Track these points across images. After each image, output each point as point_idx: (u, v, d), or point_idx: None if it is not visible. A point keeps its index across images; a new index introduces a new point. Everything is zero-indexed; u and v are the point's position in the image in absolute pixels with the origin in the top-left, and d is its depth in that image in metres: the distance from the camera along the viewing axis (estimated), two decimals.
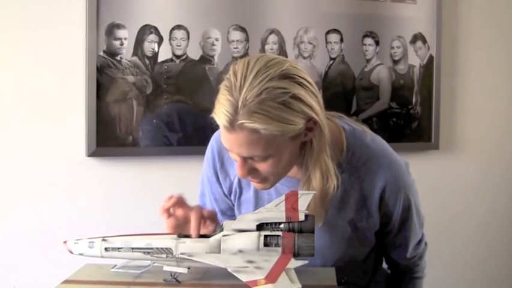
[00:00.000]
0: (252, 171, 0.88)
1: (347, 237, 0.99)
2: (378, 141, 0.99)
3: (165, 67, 1.55)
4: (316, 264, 0.98)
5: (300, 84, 0.83)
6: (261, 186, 0.93)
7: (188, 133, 1.58)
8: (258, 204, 1.03)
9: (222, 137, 0.86)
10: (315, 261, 0.96)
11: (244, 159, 0.86)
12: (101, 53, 1.50)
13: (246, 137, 0.81)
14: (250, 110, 0.79)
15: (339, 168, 0.92)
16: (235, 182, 1.05)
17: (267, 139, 0.82)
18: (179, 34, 1.56)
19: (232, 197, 1.08)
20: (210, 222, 0.98)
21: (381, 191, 0.96)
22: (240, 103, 0.80)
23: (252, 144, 0.82)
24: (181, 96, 1.57)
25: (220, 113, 0.82)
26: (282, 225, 0.82)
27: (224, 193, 1.09)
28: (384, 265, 1.17)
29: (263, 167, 0.86)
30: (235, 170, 0.98)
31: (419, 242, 1.09)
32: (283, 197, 0.86)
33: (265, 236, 0.79)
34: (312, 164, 0.89)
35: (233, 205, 1.10)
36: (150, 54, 1.54)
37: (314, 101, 0.85)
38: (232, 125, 0.80)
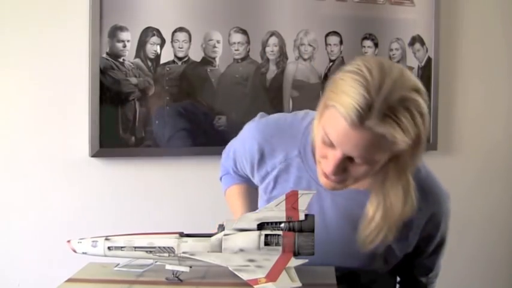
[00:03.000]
0: (340, 173, 0.84)
1: (379, 254, 0.97)
2: (430, 173, 0.98)
3: (167, 69, 1.57)
4: (341, 268, 0.96)
5: (426, 102, 0.82)
6: (332, 186, 0.89)
7: (190, 134, 1.59)
8: None
9: (333, 131, 0.80)
10: (340, 264, 0.96)
11: (344, 159, 0.82)
12: (104, 55, 1.51)
13: (369, 139, 0.77)
14: (385, 114, 0.76)
15: None
16: (273, 174, 1.00)
17: (384, 149, 0.79)
18: (181, 36, 1.57)
19: (262, 187, 1.04)
20: None
21: (426, 219, 0.96)
22: (376, 104, 0.75)
23: (370, 147, 0.79)
24: (183, 97, 1.58)
25: (350, 106, 0.76)
26: (282, 225, 0.82)
27: (252, 175, 1.06)
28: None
29: (358, 171, 0.83)
30: (275, 164, 0.98)
31: (439, 267, 1.11)
32: (283, 197, 0.87)
33: (266, 235, 0.80)
34: (396, 179, 0.86)
35: (253, 185, 1.08)
36: (152, 56, 1.55)
37: (428, 120, 0.83)
38: (362, 123, 0.76)
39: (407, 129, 0.78)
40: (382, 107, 0.76)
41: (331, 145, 0.82)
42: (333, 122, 0.80)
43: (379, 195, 0.87)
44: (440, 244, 1.04)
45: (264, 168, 1.01)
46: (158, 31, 1.55)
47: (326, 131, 0.82)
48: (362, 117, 0.76)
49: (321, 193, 0.95)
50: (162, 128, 1.57)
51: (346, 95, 0.77)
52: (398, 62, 1.77)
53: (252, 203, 1.12)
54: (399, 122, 0.77)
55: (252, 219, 0.83)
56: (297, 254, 0.80)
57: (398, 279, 1.16)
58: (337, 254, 0.96)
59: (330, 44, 1.70)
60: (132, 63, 1.53)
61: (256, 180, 1.06)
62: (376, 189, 0.88)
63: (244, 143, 1.04)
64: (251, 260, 0.78)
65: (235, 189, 1.14)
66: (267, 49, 1.64)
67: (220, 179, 1.20)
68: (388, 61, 0.83)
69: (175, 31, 1.56)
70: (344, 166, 0.83)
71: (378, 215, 0.88)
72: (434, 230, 1.00)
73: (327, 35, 1.70)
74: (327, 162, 0.84)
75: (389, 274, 1.09)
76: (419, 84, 0.82)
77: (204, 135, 1.60)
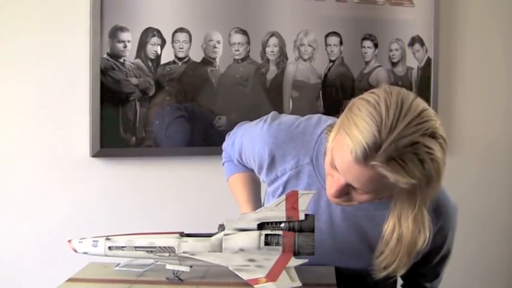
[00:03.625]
0: (343, 195, 0.85)
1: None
2: (440, 187, 0.96)
3: (168, 69, 1.57)
4: (349, 266, 0.97)
5: (442, 147, 0.80)
6: (337, 202, 0.89)
7: (190, 134, 1.59)
8: None
9: (339, 158, 0.81)
10: (347, 261, 0.97)
11: (346, 186, 0.82)
12: (105, 56, 1.51)
13: (371, 176, 0.78)
14: (390, 156, 0.75)
15: None
16: (282, 179, 0.99)
17: (387, 185, 0.78)
18: (181, 37, 1.57)
19: (271, 190, 1.03)
20: None
21: (434, 233, 0.94)
22: (385, 145, 0.75)
23: (371, 183, 0.79)
24: (183, 97, 1.58)
25: (358, 142, 0.76)
26: (282, 225, 0.82)
27: (258, 174, 1.05)
28: None
29: (359, 198, 0.84)
30: (285, 169, 0.97)
31: (442, 274, 1.11)
32: (283, 197, 0.87)
33: (266, 235, 0.80)
34: (406, 210, 0.84)
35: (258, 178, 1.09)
36: (153, 57, 1.55)
37: (444, 163, 0.82)
38: (366, 160, 0.76)
39: (412, 172, 0.77)
40: (390, 149, 0.75)
41: (336, 170, 0.83)
42: (340, 151, 0.80)
43: (395, 218, 0.86)
44: (446, 255, 1.05)
45: (274, 172, 1.00)
46: (159, 31, 1.55)
47: (333, 156, 0.82)
48: (367, 156, 0.75)
49: (331, 202, 0.94)
50: (163, 128, 1.57)
51: (357, 129, 0.77)
52: (398, 62, 1.78)
53: (255, 193, 1.12)
54: (404, 166, 0.76)
55: (252, 219, 0.83)
56: (297, 254, 0.80)
57: (400, 281, 1.16)
58: (342, 262, 0.96)
59: (330, 45, 1.70)
60: (132, 63, 1.54)
61: (262, 178, 1.05)
62: (392, 211, 0.87)
63: (254, 144, 1.02)
64: (251, 260, 0.78)
65: (238, 178, 1.13)
66: (267, 49, 1.64)
67: (223, 164, 1.18)
68: (410, 98, 0.80)
69: (175, 31, 1.57)
70: (347, 191, 0.83)
71: (393, 241, 0.87)
72: (441, 242, 1.00)
73: (327, 35, 1.70)
74: (331, 183, 0.85)
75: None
76: (437, 129, 0.79)
77: (205, 135, 1.60)
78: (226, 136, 1.15)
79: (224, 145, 1.16)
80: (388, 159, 0.75)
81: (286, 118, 1.02)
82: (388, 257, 0.88)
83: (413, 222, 0.85)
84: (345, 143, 0.78)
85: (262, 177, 1.04)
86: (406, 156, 0.76)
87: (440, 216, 0.96)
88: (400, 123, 0.76)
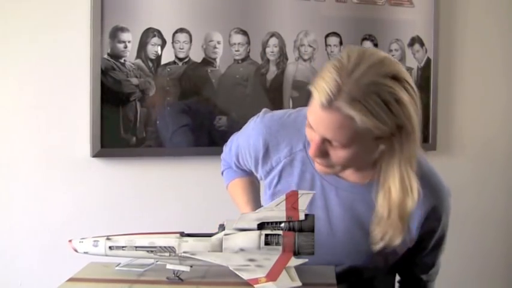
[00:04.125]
0: (324, 155, 0.87)
1: (380, 249, 0.96)
2: (432, 169, 1.00)
3: (168, 69, 1.57)
4: (344, 263, 0.98)
5: (407, 90, 0.82)
6: (323, 170, 0.92)
7: (191, 134, 1.60)
8: None
9: (310, 113, 0.85)
10: (343, 260, 0.98)
11: (322, 142, 0.85)
12: (105, 56, 1.52)
13: (338, 120, 0.80)
14: (353, 97, 0.78)
15: None
16: (277, 169, 1.01)
17: (356, 130, 0.81)
18: (182, 37, 1.57)
19: (267, 182, 1.05)
20: None
21: (427, 212, 0.96)
22: (345, 86, 0.78)
23: (340, 129, 0.81)
24: (183, 98, 1.59)
25: (322, 89, 0.80)
26: (282, 225, 0.83)
27: (255, 170, 1.07)
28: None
29: (337, 155, 0.86)
30: (280, 158, 0.99)
31: (438, 265, 1.11)
32: (283, 197, 0.87)
33: (266, 235, 0.80)
34: (391, 173, 0.87)
35: (256, 179, 1.10)
36: (153, 57, 1.56)
37: (413, 109, 0.83)
38: (330, 104, 0.79)
39: (379, 115, 0.79)
40: (351, 89, 0.78)
41: (312, 129, 0.86)
42: (311, 107, 0.84)
43: (382, 192, 0.88)
44: (441, 240, 1.04)
45: (269, 163, 1.02)
46: (159, 32, 1.55)
47: (308, 116, 0.86)
48: (331, 99, 0.79)
49: (325, 187, 0.97)
50: (163, 128, 1.58)
51: (322, 79, 0.81)
52: None
53: (255, 196, 1.13)
54: (368, 107, 0.79)
55: (252, 219, 0.83)
56: (297, 254, 0.80)
57: (398, 278, 1.16)
58: (339, 248, 0.97)
59: (330, 45, 1.71)
60: (133, 63, 1.54)
61: (259, 174, 1.06)
62: (380, 182, 0.89)
63: (249, 138, 1.04)
64: (251, 260, 0.78)
65: (237, 183, 1.14)
66: (267, 50, 1.65)
67: (222, 173, 1.20)
68: (374, 50, 0.85)
69: (176, 32, 1.57)
70: (325, 149, 0.86)
71: (384, 209, 0.88)
72: (435, 225, 1.00)
73: (327, 35, 1.70)
74: (309, 151, 0.88)
75: (389, 272, 1.09)
76: (401, 73, 0.82)
77: (205, 135, 1.61)
78: (224, 147, 1.17)
79: (222, 155, 1.18)
80: (351, 100, 0.78)
81: (278, 111, 1.06)
82: (383, 226, 0.89)
83: (400, 185, 0.86)
84: (313, 97, 0.82)
85: (259, 172, 1.05)
86: (369, 96, 0.78)
87: (433, 198, 0.96)
88: (360, 65, 0.80)
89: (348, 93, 0.78)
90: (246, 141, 1.06)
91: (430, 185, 0.95)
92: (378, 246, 0.91)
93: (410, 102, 0.82)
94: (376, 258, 0.99)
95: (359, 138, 0.83)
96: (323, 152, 0.86)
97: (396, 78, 0.81)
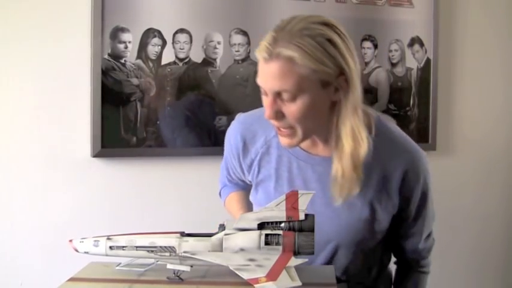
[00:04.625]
0: (279, 115, 0.91)
1: (364, 219, 1.00)
2: (401, 130, 1.05)
3: (169, 70, 1.57)
4: (331, 246, 1.01)
5: (338, 34, 0.90)
6: (288, 141, 0.95)
7: (191, 134, 1.60)
8: (277, 181, 1.04)
9: (259, 74, 0.92)
10: (330, 244, 1.01)
11: (274, 99, 0.90)
12: (106, 56, 1.52)
13: (281, 66, 0.87)
14: (288, 41, 0.86)
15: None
16: (256, 160, 1.07)
17: (300, 74, 0.87)
18: (182, 37, 1.58)
19: (250, 176, 1.10)
20: None
21: (403, 173, 0.99)
22: (280, 36, 0.87)
23: (285, 75, 0.87)
24: (184, 98, 1.59)
25: (261, 46, 0.89)
26: (282, 224, 0.83)
27: (242, 170, 1.12)
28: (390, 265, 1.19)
29: (290, 110, 0.90)
30: (257, 149, 1.05)
31: (430, 234, 1.12)
32: (283, 197, 0.88)
33: (266, 235, 0.81)
34: (343, 126, 0.92)
35: (249, 183, 1.12)
36: (153, 57, 1.56)
37: (349, 54, 0.90)
38: (270, 54, 0.87)
39: (315, 54, 0.87)
40: (286, 36, 0.87)
41: (265, 93, 0.92)
42: (258, 70, 0.92)
43: (335, 147, 0.94)
44: (422, 204, 1.05)
45: (249, 156, 1.08)
46: (159, 32, 1.55)
47: (257, 80, 0.93)
48: (270, 50, 0.87)
49: (301, 167, 1.02)
50: (163, 128, 1.58)
51: (261, 41, 0.90)
52: (397, 63, 1.78)
53: (248, 204, 1.16)
54: (303, 46, 0.86)
55: (253, 219, 0.84)
56: (297, 254, 0.81)
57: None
58: (325, 224, 0.98)
59: None
60: (133, 64, 1.54)
61: (245, 173, 1.11)
62: (336, 146, 0.95)
63: (229, 140, 1.11)
64: (251, 260, 0.79)
65: (233, 197, 1.19)
66: None
67: (220, 194, 1.26)
68: (314, 14, 0.93)
69: (176, 32, 1.57)
70: (278, 108, 0.91)
71: (339, 168, 0.94)
72: (414, 186, 1.02)
73: None
74: (265, 113, 0.92)
75: (382, 253, 1.12)
76: (331, 21, 0.91)
77: (205, 135, 1.61)
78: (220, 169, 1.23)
79: (219, 177, 1.25)
80: (287, 43, 0.86)
81: (252, 110, 1.12)
82: (339, 183, 0.94)
83: (351, 136, 0.92)
84: (258, 60, 0.91)
85: (245, 171, 1.10)
86: (302, 38, 0.87)
87: (408, 158, 1.00)
88: (292, 21, 0.89)
89: (283, 39, 0.87)
90: (228, 145, 1.12)
91: (401, 147, 1.00)
92: (338, 203, 0.96)
93: (344, 45, 0.90)
94: (364, 233, 1.01)
95: (305, 84, 0.88)
96: (277, 112, 0.91)
97: (326, 24, 0.90)
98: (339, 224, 1.00)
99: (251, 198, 1.12)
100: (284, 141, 0.96)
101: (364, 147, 0.92)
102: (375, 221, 1.02)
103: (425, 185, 1.03)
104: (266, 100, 0.93)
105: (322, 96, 0.91)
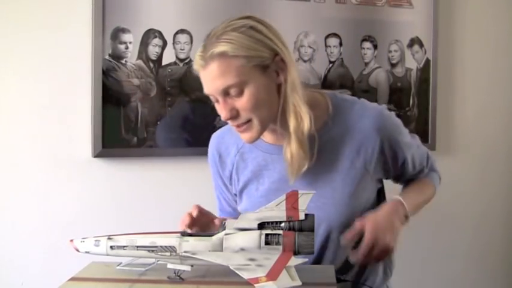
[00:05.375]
0: (233, 113, 0.94)
1: (348, 192, 1.01)
2: (355, 97, 1.07)
3: (169, 70, 1.58)
4: (322, 229, 1.01)
5: (260, 22, 0.96)
6: (249, 135, 0.98)
7: (191, 134, 1.60)
8: (258, 181, 1.07)
9: (203, 82, 0.95)
10: (321, 227, 1.01)
11: (224, 99, 0.93)
12: (107, 57, 1.52)
13: (218, 65, 0.91)
14: (216, 41, 0.91)
15: (325, 126, 1.00)
16: (234, 169, 1.10)
17: (236, 66, 0.91)
18: (182, 38, 1.58)
19: (234, 188, 1.12)
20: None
21: (375, 134, 1.00)
22: (208, 42, 0.93)
23: (225, 71, 0.91)
24: (184, 98, 1.59)
25: (196, 59, 0.94)
26: (282, 224, 0.83)
27: (227, 188, 1.14)
28: None
29: (241, 102, 0.93)
30: (232, 159, 1.09)
31: (428, 157, 1.15)
32: (283, 197, 0.88)
33: (267, 235, 0.81)
34: (286, 105, 0.96)
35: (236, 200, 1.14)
36: (154, 58, 1.56)
37: (275, 36, 0.95)
38: (205, 59, 0.92)
39: (243, 43, 0.91)
40: (212, 39, 0.92)
41: (216, 100, 0.96)
42: (203, 82, 0.95)
43: (283, 129, 0.97)
44: (408, 151, 1.06)
45: (227, 169, 1.12)
46: (160, 33, 1.56)
47: (205, 92, 0.96)
48: (203, 56, 0.92)
49: (275, 159, 1.04)
50: (164, 128, 1.58)
51: (196, 54, 0.95)
52: (397, 63, 1.79)
53: None
54: (230, 40, 0.91)
55: (253, 218, 0.84)
56: (297, 253, 0.81)
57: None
58: (308, 207, 0.98)
59: (330, 46, 1.71)
60: (134, 64, 1.55)
61: (229, 187, 1.14)
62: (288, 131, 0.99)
63: (209, 159, 1.17)
64: (252, 259, 0.79)
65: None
66: None
67: None
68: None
69: (176, 33, 1.58)
70: (231, 106, 0.94)
71: (287, 150, 0.98)
72: (393, 143, 1.03)
73: (327, 36, 1.71)
74: (221, 112, 0.96)
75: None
76: (251, 14, 0.97)
77: (206, 135, 1.60)
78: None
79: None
80: (216, 42, 0.91)
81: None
82: (289, 159, 0.98)
83: (293, 112, 0.96)
84: (199, 75, 0.95)
85: (228, 185, 1.14)
86: (227, 33, 0.92)
87: (372, 116, 1.01)
88: (216, 26, 0.95)
89: (211, 43, 0.92)
90: (210, 165, 1.17)
91: (365, 106, 1.03)
92: (291, 183, 0.99)
93: (267, 30, 0.95)
94: (352, 207, 1.01)
95: (246, 74, 0.91)
96: (232, 110, 0.94)
97: (246, 17, 0.96)
98: (324, 203, 1.00)
99: (238, 208, 1.14)
100: (246, 136, 0.99)
101: (306, 122, 0.95)
102: (360, 191, 1.02)
103: (402, 136, 1.05)
104: (219, 106, 0.96)
105: (265, 82, 0.94)
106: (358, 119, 1.00)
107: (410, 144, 1.07)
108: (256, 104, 0.94)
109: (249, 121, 0.96)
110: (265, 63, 0.93)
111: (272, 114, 0.97)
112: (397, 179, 1.14)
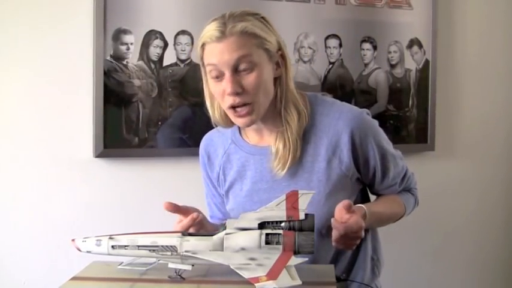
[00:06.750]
0: (239, 89, 0.97)
1: (324, 192, 1.04)
2: (336, 100, 1.10)
3: (170, 71, 1.58)
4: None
5: (265, 19, 1.03)
6: (246, 119, 1.00)
7: (192, 135, 1.60)
8: (242, 181, 1.09)
9: (210, 54, 0.98)
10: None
11: (232, 74, 0.97)
12: (108, 58, 1.53)
13: (236, 40, 0.96)
14: (236, 19, 0.97)
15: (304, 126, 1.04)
16: (221, 170, 1.14)
17: (253, 44, 0.97)
18: (183, 39, 1.58)
19: (221, 189, 1.15)
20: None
21: (350, 136, 1.03)
22: (227, 17, 0.98)
23: (243, 45, 0.96)
24: (185, 99, 1.60)
25: (210, 31, 0.98)
26: (282, 224, 0.84)
27: (216, 191, 1.17)
28: None
29: (250, 79, 0.97)
30: (219, 161, 1.11)
31: (405, 175, 1.14)
32: (284, 197, 0.89)
33: (267, 235, 0.81)
34: (285, 100, 1.02)
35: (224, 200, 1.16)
36: (155, 59, 1.57)
37: (279, 36, 1.03)
38: (224, 32, 0.96)
39: (260, 26, 0.99)
40: (231, 19, 0.98)
41: (220, 75, 0.98)
42: (208, 54, 0.99)
43: (283, 124, 1.03)
44: (383, 159, 1.08)
45: (215, 170, 1.15)
46: (161, 34, 1.56)
47: (209, 63, 0.99)
48: (222, 30, 0.96)
49: (257, 160, 1.08)
50: (165, 129, 1.59)
51: (205, 30, 1.00)
52: (396, 64, 1.79)
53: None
54: (249, 21, 0.98)
55: (253, 218, 0.85)
56: (297, 253, 0.81)
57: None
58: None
59: (330, 47, 1.71)
60: (135, 65, 1.55)
61: (218, 189, 1.16)
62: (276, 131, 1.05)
63: (200, 162, 1.19)
64: (252, 259, 0.79)
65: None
66: None
67: None
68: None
69: (177, 34, 1.58)
70: (238, 82, 0.97)
71: (280, 141, 1.03)
72: (365, 146, 1.05)
73: (327, 37, 1.71)
74: (225, 88, 0.98)
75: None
76: (260, 14, 1.03)
77: None
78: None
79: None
80: (237, 20, 0.97)
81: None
82: (281, 151, 1.02)
83: (294, 107, 1.02)
84: (206, 45, 0.99)
85: (215, 184, 1.17)
86: (246, 17, 0.98)
87: (349, 119, 1.03)
88: (227, 12, 1.00)
89: (230, 21, 0.97)
90: (200, 165, 1.19)
91: (343, 108, 1.06)
92: (281, 174, 1.03)
93: (275, 29, 1.02)
94: (329, 206, 1.01)
95: (258, 55, 0.97)
96: (239, 84, 0.97)
97: (256, 13, 1.02)
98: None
99: (226, 208, 1.16)
100: (242, 121, 1.01)
101: (305, 116, 1.03)
102: (338, 191, 1.05)
103: (377, 141, 1.06)
104: (217, 85, 0.99)
105: (269, 69, 1.00)
106: (335, 121, 1.03)
107: (386, 150, 1.08)
108: (260, 86, 0.98)
109: (248, 105, 0.99)
110: (272, 52, 1.00)
111: (267, 104, 1.01)
112: (370, 188, 1.15)
